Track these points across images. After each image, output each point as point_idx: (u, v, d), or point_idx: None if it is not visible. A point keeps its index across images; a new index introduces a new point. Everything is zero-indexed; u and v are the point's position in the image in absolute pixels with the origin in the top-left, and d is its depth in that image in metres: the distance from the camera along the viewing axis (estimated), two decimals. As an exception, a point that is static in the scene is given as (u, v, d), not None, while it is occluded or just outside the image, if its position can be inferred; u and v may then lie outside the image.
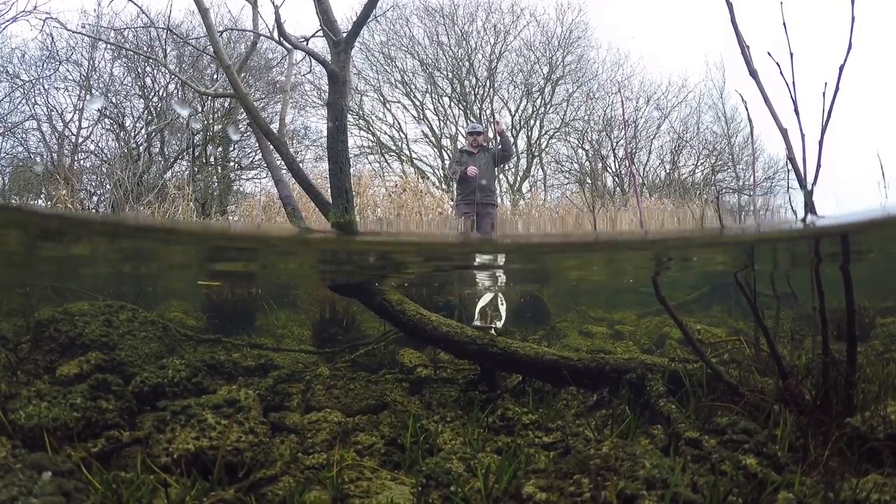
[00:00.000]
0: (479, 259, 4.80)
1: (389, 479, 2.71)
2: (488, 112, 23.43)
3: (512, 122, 23.65)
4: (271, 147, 6.43)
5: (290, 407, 3.92)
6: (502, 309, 4.53)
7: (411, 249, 4.14)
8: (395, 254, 4.24)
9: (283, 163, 6.51)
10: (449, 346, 4.29)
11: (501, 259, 4.78)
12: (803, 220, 2.75)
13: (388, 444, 3.14)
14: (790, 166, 2.84)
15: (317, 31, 5.71)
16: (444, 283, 6.02)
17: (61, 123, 17.77)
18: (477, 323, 4.38)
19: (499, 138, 8.66)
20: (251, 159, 20.17)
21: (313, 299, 7.65)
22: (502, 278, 6.19)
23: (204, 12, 6.13)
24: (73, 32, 15.38)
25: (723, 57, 21.89)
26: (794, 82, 2.74)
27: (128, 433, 2.98)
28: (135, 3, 7.85)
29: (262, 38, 6.98)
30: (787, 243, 3.84)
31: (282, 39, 6.21)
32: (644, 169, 22.91)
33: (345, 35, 5.39)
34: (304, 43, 6.16)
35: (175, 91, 18.90)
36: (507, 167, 22.09)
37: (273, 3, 6.00)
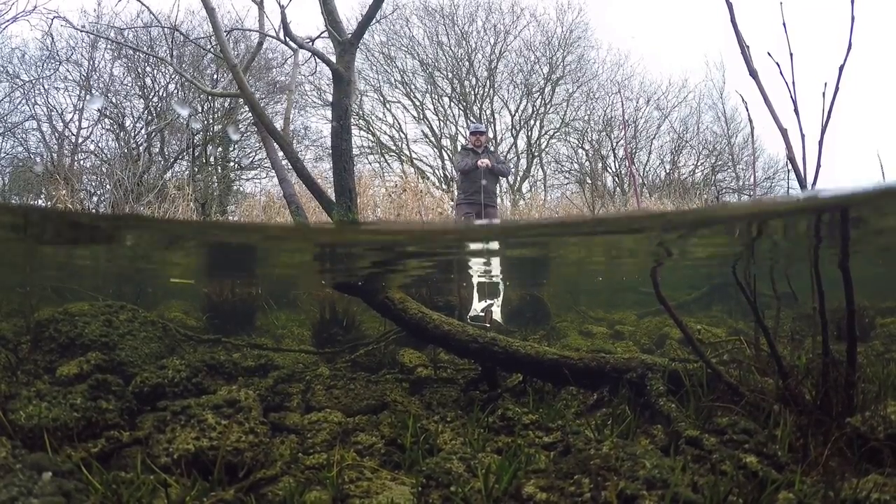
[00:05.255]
0: (477, 246, 4.76)
1: (389, 480, 2.71)
2: (488, 112, 23.45)
3: (512, 122, 23.67)
4: (276, 146, 6.43)
5: (290, 407, 3.92)
6: (497, 301, 4.55)
7: (410, 236, 4.09)
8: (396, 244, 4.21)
9: (287, 162, 6.50)
10: (450, 344, 4.28)
11: (495, 245, 4.74)
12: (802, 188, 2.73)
13: (389, 444, 3.13)
14: (790, 166, 2.83)
15: (322, 32, 5.72)
16: (446, 273, 6.00)
17: (61, 123, 17.79)
18: (477, 310, 4.37)
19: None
20: (251, 159, 20.21)
21: (313, 299, 7.66)
22: (497, 268, 6.15)
23: (211, 12, 6.13)
24: (81, 31, 15.38)
25: (723, 57, 21.94)
26: (794, 82, 2.73)
27: (128, 433, 2.98)
28: (141, 3, 7.86)
29: (264, 37, 6.98)
30: (785, 224, 3.80)
31: (287, 40, 6.22)
32: (644, 169, 22.93)
33: (349, 35, 5.39)
34: (310, 43, 6.17)
35: (175, 91, 18.92)
36: (506, 167, 22.07)
37: (279, 3, 6.00)
